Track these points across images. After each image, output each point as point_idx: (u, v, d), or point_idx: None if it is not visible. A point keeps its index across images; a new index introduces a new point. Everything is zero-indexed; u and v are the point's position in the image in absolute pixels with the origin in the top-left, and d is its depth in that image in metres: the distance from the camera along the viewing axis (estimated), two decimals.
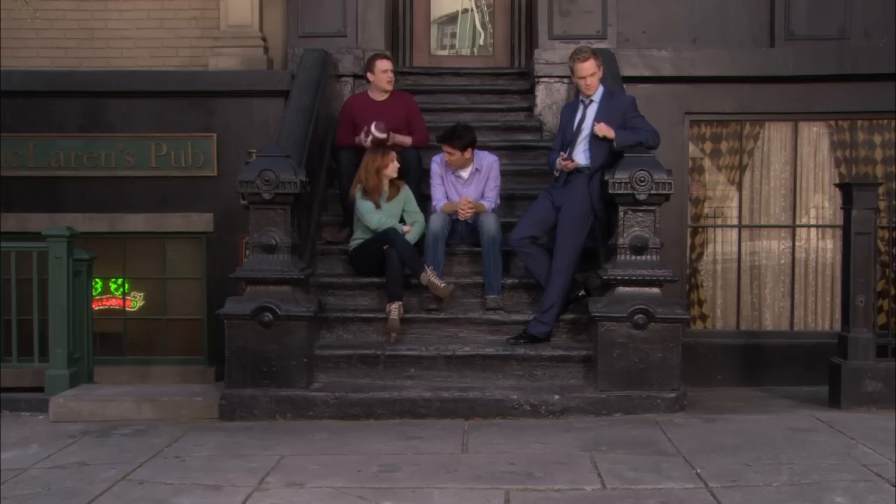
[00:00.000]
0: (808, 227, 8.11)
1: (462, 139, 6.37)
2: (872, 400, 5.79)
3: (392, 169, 6.35)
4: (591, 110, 6.09)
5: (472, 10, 9.02)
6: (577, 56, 6.06)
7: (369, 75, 7.07)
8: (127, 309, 8.40)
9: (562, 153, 6.11)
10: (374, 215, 6.26)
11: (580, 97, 6.21)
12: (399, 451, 4.77)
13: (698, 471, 4.32)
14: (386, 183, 6.37)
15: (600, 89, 6.12)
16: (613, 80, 7.04)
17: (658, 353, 5.59)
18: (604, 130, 5.90)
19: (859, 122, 8.06)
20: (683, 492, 4.05)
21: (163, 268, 8.36)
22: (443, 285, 6.01)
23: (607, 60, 7.21)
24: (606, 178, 5.77)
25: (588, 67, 6.00)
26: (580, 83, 6.07)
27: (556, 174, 6.22)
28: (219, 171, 8.08)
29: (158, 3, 8.47)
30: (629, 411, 5.52)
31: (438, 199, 6.52)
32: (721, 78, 7.90)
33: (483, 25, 9.02)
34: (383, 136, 6.59)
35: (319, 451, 4.85)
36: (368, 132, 6.59)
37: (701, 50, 7.99)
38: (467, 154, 6.43)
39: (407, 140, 6.86)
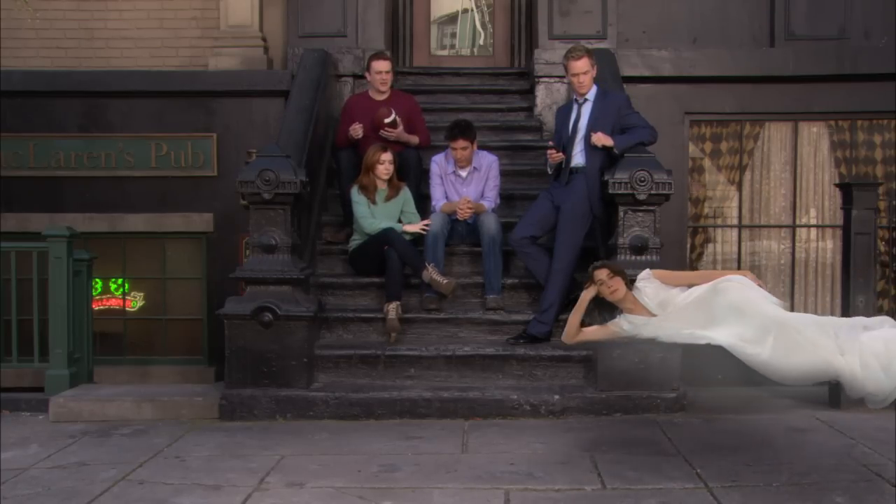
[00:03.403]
0: (808, 227, 8.12)
1: (472, 130, 6.44)
2: None
3: (382, 171, 6.34)
4: (586, 109, 6.10)
5: (472, 10, 9.02)
6: (571, 54, 6.08)
7: (367, 75, 7.09)
8: (127, 309, 8.41)
9: (550, 143, 6.17)
10: (366, 220, 6.27)
11: (574, 97, 6.23)
12: (399, 451, 4.77)
13: (698, 471, 4.32)
14: (379, 182, 6.37)
15: (594, 88, 6.13)
16: (613, 79, 7.04)
17: (658, 352, 5.58)
18: (602, 140, 5.91)
19: (859, 122, 8.07)
20: (683, 492, 4.05)
21: (163, 268, 8.36)
22: (445, 281, 6.01)
23: (607, 60, 7.23)
24: (606, 177, 5.78)
25: (582, 65, 6.01)
26: (573, 81, 6.09)
27: (550, 171, 6.26)
28: (219, 171, 8.08)
29: (158, 3, 8.48)
30: (629, 411, 5.52)
31: (438, 199, 6.53)
32: (721, 78, 7.91)
33: (483, 25, 9.02)
34: (391, 118, 6.68)
35: (319, 451, 4.85)
36: (379, 125, 6.70)
37: (701, 50, 7.99)
38: (475, 145, 6.47)
39: (414, 139, 6.88)
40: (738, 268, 8.10)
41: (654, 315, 5.02)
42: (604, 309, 5.34)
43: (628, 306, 5.07)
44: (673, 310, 4.94)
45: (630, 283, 5.08)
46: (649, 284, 5.08)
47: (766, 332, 4.58)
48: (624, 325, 5.08)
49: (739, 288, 4.78)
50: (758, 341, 4.64)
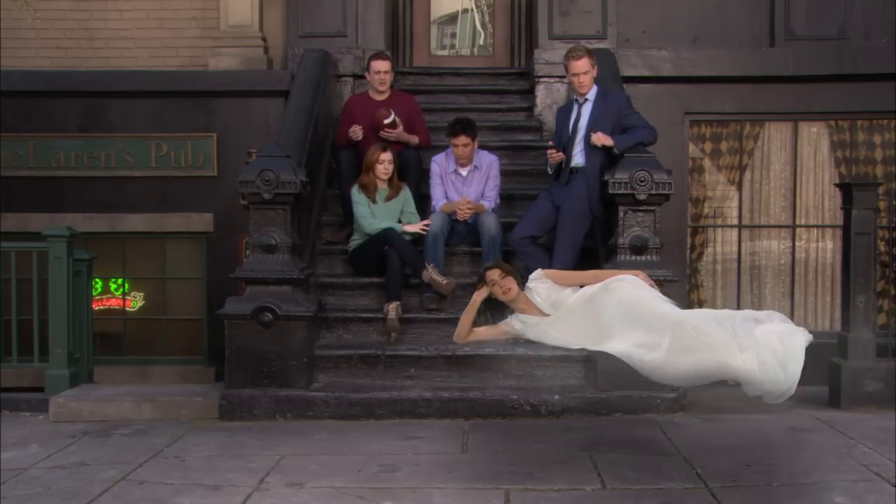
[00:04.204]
0: (808, 227, 8.12)
1: (473, 127, 6.45)
2: (872, 400, 5.79)
3: (381, 170, 6.35)
4: (586, 109, 6.11)
5: (472, 10, 9.02)
6: (571, 54, 6.09)
7: (367, 75, 7.10)
8: (127, 309, 8.41)
9: (550, 143, 6.19)
10: (366, 220, 6.28)
11: (574, 97, 6.24)
12: (399, 451, 4.77)
13: (698, 471, 4.32)
14: (379, 181, 6.38)
15: (594, 88, 6.14)
16: (613, 79, 7.04)
17: None
18: (602, 139, 5.91)
19: (859, 122, 8.07)
20: (683, 492, 4.05)
21: (163, 268, 8.36)
22: (445, 281, 6.00)
23: (607, 60, 7.23)
24: (606, 177, 5.78)
25: (582, 65, 6.02)
26: (574, 81, 6.10)
27: (550, 171, 6.27)
28: (219, 171, 8.08)
29: (158, 3, 8.48)
30: (629, 411, 5.52)
31: (438, 199, 6.54)
32: (721, 78, 7.91)
33: (483, 25, 9.02)
34: (390, 119, 6.69)
35: (319, 451, 4.85)
36: (378, 126, 6.69)
37: (701, 50, 7.99)
38: (476, 143, 6.48)
39: (414, 139, 6.89)
40: (739, 268, 8.12)
41: (546, 315, 5.02)
42: (495, 310, 5.33)
43: (521, 306, 5.08)
44: (565, 310, 4.94)
45: (522, 283, 5.10)
46: (542, 284, 5.08)
47: (661, 334, 4.56)
48: (515, 324, 5.09)
49: (630, 288, 4.77)
50: (654, 345, 4.63)
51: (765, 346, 4.56)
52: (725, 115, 8.09)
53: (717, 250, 8.19)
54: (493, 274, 5.10)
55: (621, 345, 4.72)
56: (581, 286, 5.04)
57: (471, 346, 5.85)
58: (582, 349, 5.31)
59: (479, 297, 5.20)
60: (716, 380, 5.02)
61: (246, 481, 4.27)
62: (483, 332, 5.39)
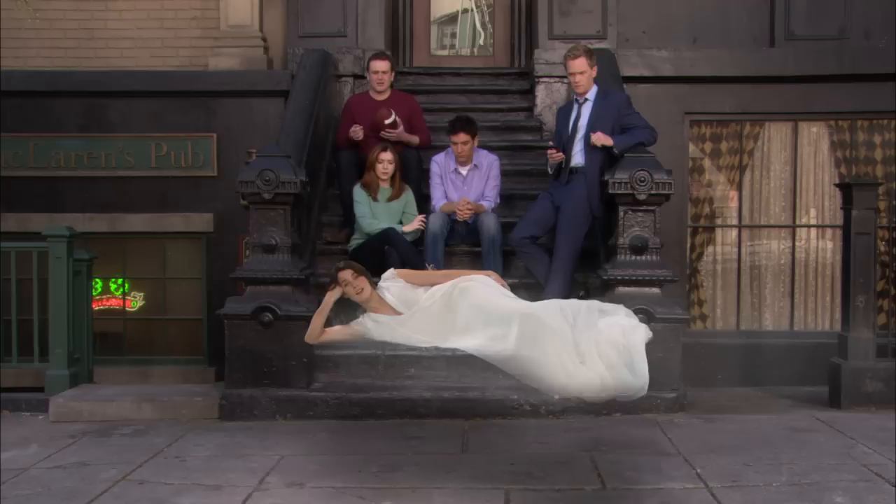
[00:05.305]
0: (808, 227, 8.11)
1: (473, 125, 6.46)
2: (872, 400, 5.79)
3: (381, 170, 6.37)
4: (586, 109, 6.11)
5: (472, 10, 9.02)
6: (569, 53, 6.12)
7: (367, 75, 7.11)
8: (127, 309, 8.40)
9: (550, 143, 6.20)
10: (366, 220, 6.31)
11: (574, 97, 6.25)
12: (399, 451, 4.77)
13: (698, 471, 4.32)
14: (381, 180, 6.39)
15: (594, 88, 6.14)
16: (613, 80, 7.04)
17: (658, 352, 5.55)
18: (602, 139, 5.92)
19: (859, 122, 8.06)
20: (683, 492, 4.05)
21: (163, 268, 8.36)
22: None
23: (607, 60, 7.23)
24: (606, 177, 5.79)
25: (579, 65, 6.02)
26: (571, 80, 6.12)
27: (550, 171, 6.27)
28: (219, 171, 8.08)
29: (158, 3, 8.48)
30: (629, 411, 5.52)
31: (438, 199, 6.54)
32: (721, 78, 7.90)
33: (483, 25, 9.02)
34: (391, 119, 6.70)
35: (319, 451, 4.85)
36: (379, 126, 6.70)
37: (701, 50, 7.99)
38: (476, 141, 6.49)
39: (414, 139, 6.89)
40: (739, 268, 8.11)
41: (400, 314, 5.02)
42: (349, 309, 5.33)
43: (374, 305, 5.08)
44: (417, 309, 4.95)
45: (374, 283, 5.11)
46: (395, 284, 5.08)
47: (509, 325, 4.55)
48: (368, 323, 5.09)
49: (481, 287, 4.79)
50: (503, 336, 4.62)
51: (605, 339, 4.54)
52: (725, 116, 8.08)
53: (717, 250, 8.18)
54: (346, 274, 5.11)
55: (473, 341, 4.74)
56: (433, 286, 5.06)
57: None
58: (434, 348, 5.36)
59: (331, 297, 5.20)
60: (568, 395, 5.02)
61: (246, 481, 4.27)
62: (335, 331, 5.40)
